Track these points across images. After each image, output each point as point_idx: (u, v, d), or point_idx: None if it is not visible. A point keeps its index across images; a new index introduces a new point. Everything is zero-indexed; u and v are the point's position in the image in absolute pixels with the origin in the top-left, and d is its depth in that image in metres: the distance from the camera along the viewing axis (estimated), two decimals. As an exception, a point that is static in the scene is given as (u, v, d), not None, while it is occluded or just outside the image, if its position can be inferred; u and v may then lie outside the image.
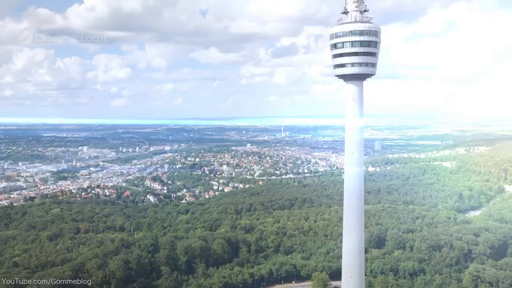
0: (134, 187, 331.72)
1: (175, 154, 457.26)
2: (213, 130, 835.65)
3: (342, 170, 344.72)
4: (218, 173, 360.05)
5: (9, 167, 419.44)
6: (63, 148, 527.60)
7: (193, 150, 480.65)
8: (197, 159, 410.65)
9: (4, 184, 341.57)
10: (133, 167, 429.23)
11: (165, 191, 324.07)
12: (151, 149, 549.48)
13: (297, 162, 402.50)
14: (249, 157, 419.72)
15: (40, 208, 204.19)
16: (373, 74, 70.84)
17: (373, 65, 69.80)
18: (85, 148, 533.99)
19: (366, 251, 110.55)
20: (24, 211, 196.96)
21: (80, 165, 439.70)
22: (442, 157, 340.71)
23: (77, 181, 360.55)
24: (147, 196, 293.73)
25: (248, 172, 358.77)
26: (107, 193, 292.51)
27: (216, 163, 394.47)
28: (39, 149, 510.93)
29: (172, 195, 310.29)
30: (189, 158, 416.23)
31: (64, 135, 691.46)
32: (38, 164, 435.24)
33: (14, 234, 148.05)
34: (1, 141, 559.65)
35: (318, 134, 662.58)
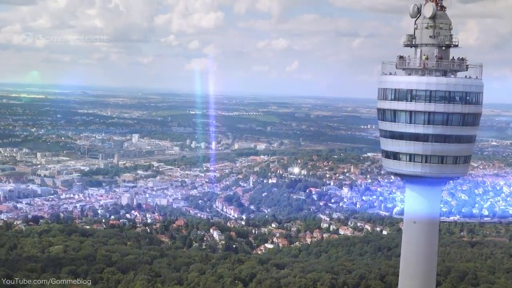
0: (195, 211, 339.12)
1: (271, 159, 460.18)
2: (342, 119, 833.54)
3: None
4: (333, 200, 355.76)
5: (23, 158, 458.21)
6: (103, 134, 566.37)
7: (301, 153, 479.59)
8: (304, 172, 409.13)
9: (12, 185, 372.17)
10: (202, 174, 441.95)
11: (243, 223, 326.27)
12: (235, 146, 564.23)
13: (476, 191, 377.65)
14: (392, 175, 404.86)
15: (39, 241, 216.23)
16: (459, 177, 58.81)
17: (461, 160, 55.80)
18: (135, 137, 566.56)
19: None
20: (14, 243, 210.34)
21: (124, 164, 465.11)
22: None
23: (114, 191, 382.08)
24: (211, 230, 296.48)
25: (383, 205, 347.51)
26: (149, 220, 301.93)
27: (333, 182, 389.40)
28: (69, 133, 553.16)
29: (252, 232, 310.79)
30: (290, 168, 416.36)
31: (109, 113, 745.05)
32: (64, 158, 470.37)
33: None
34: (17, 117, 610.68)
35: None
